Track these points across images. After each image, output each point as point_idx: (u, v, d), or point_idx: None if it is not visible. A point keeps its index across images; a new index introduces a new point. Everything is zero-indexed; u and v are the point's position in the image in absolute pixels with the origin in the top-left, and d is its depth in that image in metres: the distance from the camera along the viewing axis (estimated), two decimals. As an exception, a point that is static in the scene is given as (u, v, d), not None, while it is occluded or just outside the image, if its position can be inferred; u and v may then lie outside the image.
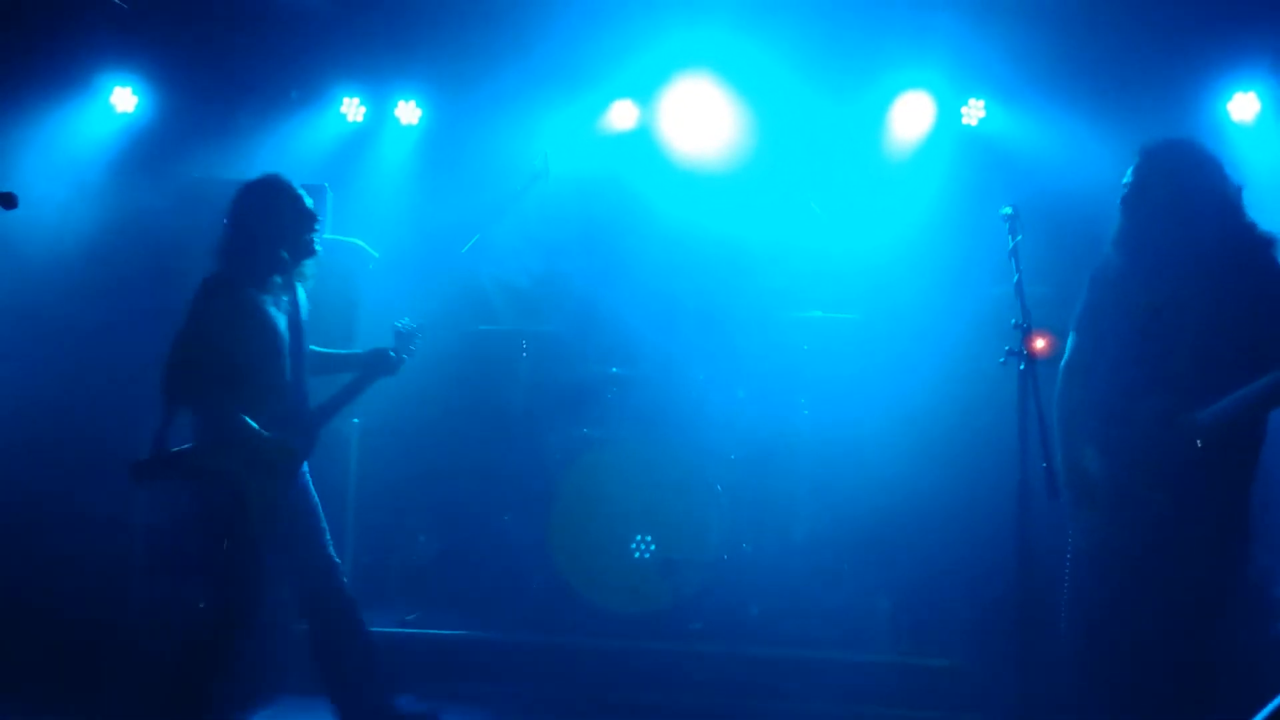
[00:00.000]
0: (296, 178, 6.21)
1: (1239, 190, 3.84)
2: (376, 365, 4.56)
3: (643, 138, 6.80)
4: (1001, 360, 3.61)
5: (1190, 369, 3.73)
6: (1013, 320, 3.64)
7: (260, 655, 4.87)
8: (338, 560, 4.45)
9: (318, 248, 4.42)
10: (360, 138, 6.88)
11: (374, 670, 4.44)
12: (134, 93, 6.69)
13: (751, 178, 6.65)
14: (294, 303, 4.36)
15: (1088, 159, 4.26)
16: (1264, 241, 3.73)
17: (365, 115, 6.84)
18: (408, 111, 6.83)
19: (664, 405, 6.01)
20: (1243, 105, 6.35)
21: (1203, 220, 3.76)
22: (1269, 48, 6.23)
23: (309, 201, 4.39)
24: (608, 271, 6.47)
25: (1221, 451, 3.67)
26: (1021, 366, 3.56)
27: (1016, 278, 3.72)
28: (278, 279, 4.29)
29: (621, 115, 6.78)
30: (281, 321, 4.28)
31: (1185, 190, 3.80)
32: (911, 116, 6.63)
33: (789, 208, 6.52)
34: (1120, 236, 3.94)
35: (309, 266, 4.43)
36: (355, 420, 5.96)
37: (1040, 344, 3.95)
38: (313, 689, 4.55)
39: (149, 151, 6.62)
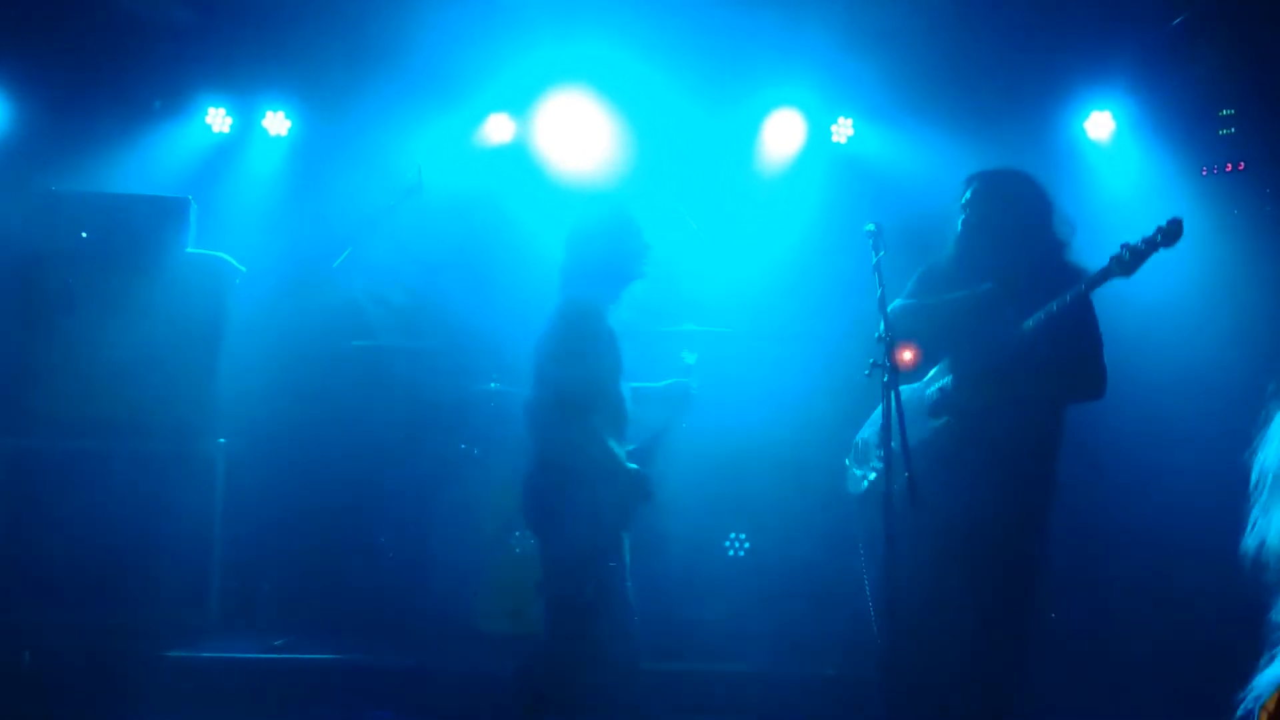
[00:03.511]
0: (159, 190, 6.18)
1: (1071, 229, 4.11)
2: (681, 401, 4.34)
3: (519, 151, 6.75)
4: (866, 373, 3.66)
5: (987, 364, 3.94)
6: (876, 333, 3.70)
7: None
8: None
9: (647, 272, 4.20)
10: (227, 149, 6.70)
11: None
12: (-9, 102, 6.43)
13: (628, 192, 6.66)
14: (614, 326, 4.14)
15: (952, 176, 4.37)
16: (1079, 276, 3.93)
17: (232, 126, 6.67)
18: (276, 122, 6.68)
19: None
20: (1099, 124, 6.60)
21: (1027, 249, 4.03)
22: (1124, 69, 6.47)
23: (644, 226, 4.22)
24: (484, 286, 6.41)
25: (1024, 440, 3.90)
26: (885, 379, 3.62)
27: (880, 292, 3.79)
28: (617, 302, 4.14)
29: (497, 129, 6.73)
30: (621, 347, 4.08)
31: (1017, 222, 4.04)
32: (783, 134, 6.73)
33: (665, 223, 6.54)
34: (955, 253, 4.16)
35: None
36: (221, 440, 5.80)
37: (906, 356, 4.05)
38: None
39: (6, 163, 6.36)
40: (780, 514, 6.00)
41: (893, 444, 3.54)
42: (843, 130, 6.67)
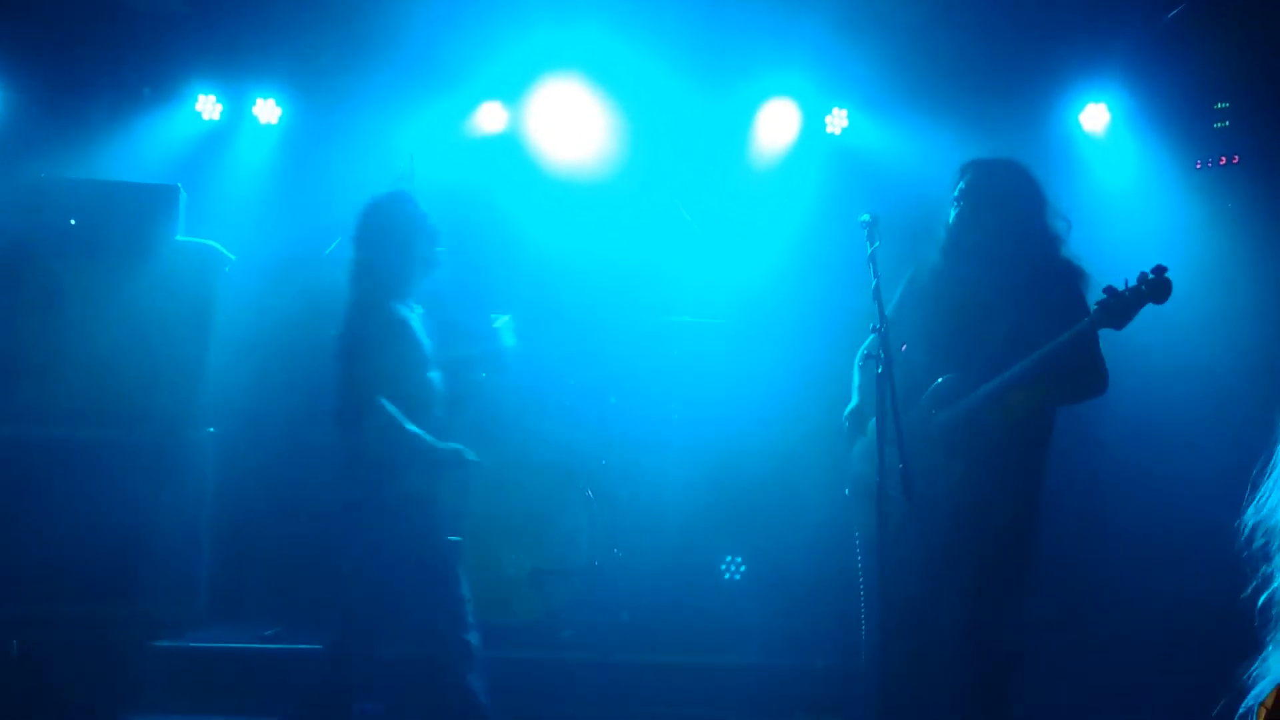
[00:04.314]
0: (149, 177, 6.13)
1: (1066, 224, 4.08)
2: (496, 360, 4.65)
3: (511, 140, 6.71)
4: (860, 364, 3.65)
5: (984, 362, 3.92)
6: (871, 324, 3.68)
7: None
8: None
9: (439, 261, 4.35)
10: (217, 137, 6.64)
11: None
12: (-23, 88, 6.38)
13: (621, 183, 6.64)
14: (425, 316, 4.31)
15: (946, 168, 4.35)
16: (1074, 271, 3.96)
17: (222, 113, 6.61)
18: (266, 110, 6.62)
19: (534, 412, 5.95)
20: (1094, 116, 6.58)
21: (1022, 243, 4.00)
22: (1119, 61, 6.46)
23: (432, 218, 4.35)
24: (477, 275, 6.38)
25: (1013, 430, 3.90)
26: (879, 370, 3.60)
27: (874, 283, 3.77)
28: (413, 290, 4.27)
29: (489, 117, 6.69)
30: (424, 333, 4.23)
31: (1011, 216, 4.01)
32: (777, 124, 6.70)
33: (659, 213, 6.53)
34: (947, 244, 4.13)
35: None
36: (211, 429, 5.77)
37: (904, 347, 4.03)
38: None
39: (-5, 150, 6.33)
40: (775, 510, 5.99)
41: (887, 437, 3.53)
42: (837, 121, 6.65)
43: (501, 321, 4.65)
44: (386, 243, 4.24)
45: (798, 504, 5.88)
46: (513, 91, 6.65)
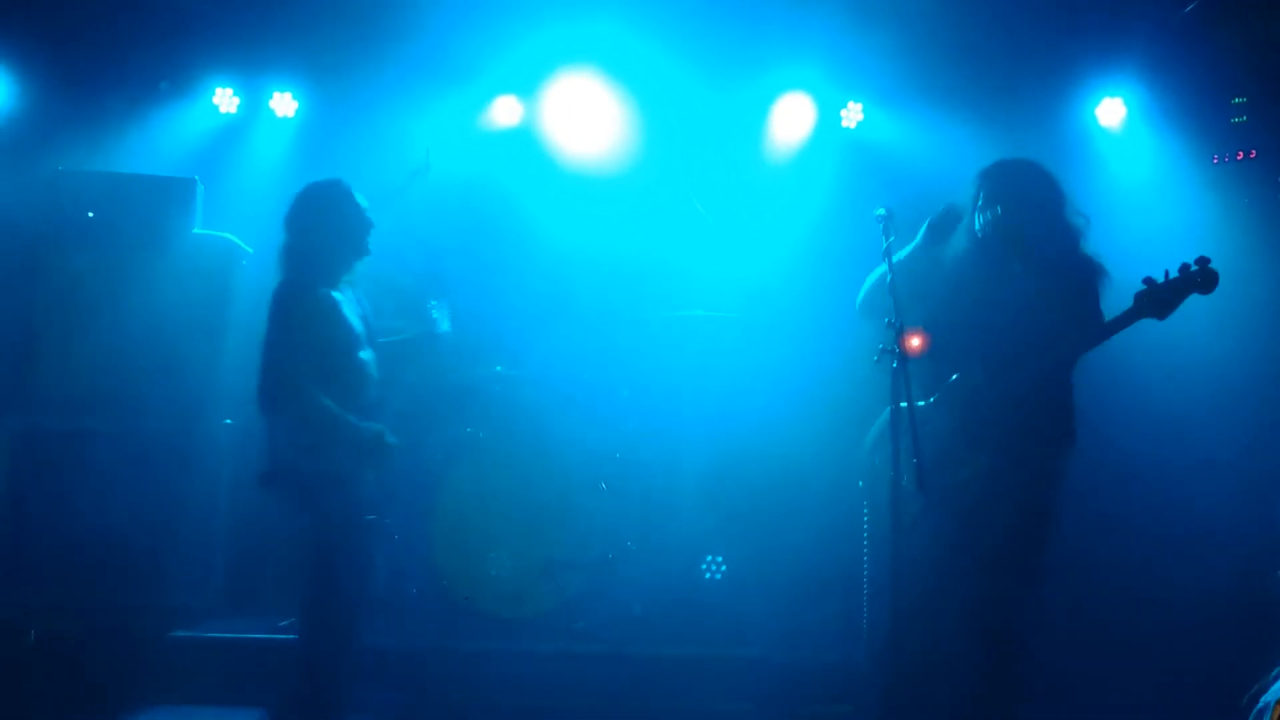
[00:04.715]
0: (167, 170, 6.16)
1: (1085, 220, 4.12)
2: (428, 344, 4.69)
3: (526, 134, 6.73)
4: (875, 359, 3.65)
5: (1005, 358, 3.96)
6: (885, 319, 3.69)
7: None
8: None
9: (371, 249, 4.42)
10: (234, 130, 6.67)
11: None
12: (-4, 82, 6.41)
13: (636, 176, 6.65)
14: (353, 295, 4.41)
15: (961, 162, 4.36)
16: (1094, 268, 4.00)
17: (239, 107, 6.64)
18: (283, 104, 6.65)
19: (548, 404, 5.97)
20: (1110, 111, 6.57)
21: (1041, 243, 4.04)
22: (1136, 56, 6.44)
23: (364, 203, 4.41)
24: (492, 269, 6.41)
25: (1034, 419, 3.93)
26: (894, 365, 3.61)
27: (890, 278, 3.78)
28: (345, 278, 4.36)
29: (505, 111, 6.70)
30: (355, 316, 4.32)
31: (1033, 214, 4.05)
32: (793, 118, 6.70)
33: (673, 207, 6.53)
34: (971, 243, 4.15)
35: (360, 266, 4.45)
36: (228, 421, 5.80)
37: (915, 342, 4.04)
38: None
39: (12, 143, 6.35)
40: (788, 503, 6.00)
41: (902, 430, 3.53)
42: (852, 115, 6.64)
43: (436, 307, 4.73)
44: (317, 229, 4.30)
45: (810, 497, 5.89)
46: (528, 85, 6.67)
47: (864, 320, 4.17)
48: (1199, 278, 3.74)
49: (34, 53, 6.40)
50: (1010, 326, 3.98)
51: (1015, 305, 4.00)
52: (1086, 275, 3.97)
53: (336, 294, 4.30)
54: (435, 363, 4.55)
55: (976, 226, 4.13)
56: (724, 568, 6.01)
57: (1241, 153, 6.26)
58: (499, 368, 6.04)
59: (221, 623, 5.51)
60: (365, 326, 4.40)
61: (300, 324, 4.16)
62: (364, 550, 4.36)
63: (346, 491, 4.22)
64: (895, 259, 3.91)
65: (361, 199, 4.42)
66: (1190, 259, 3.79)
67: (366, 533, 4.33)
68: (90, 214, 5.80)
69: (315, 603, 4.25)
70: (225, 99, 6.62)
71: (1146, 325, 3.87)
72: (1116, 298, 3.98)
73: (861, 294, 4.20)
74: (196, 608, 5.55)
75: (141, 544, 5.47)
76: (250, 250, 6.02)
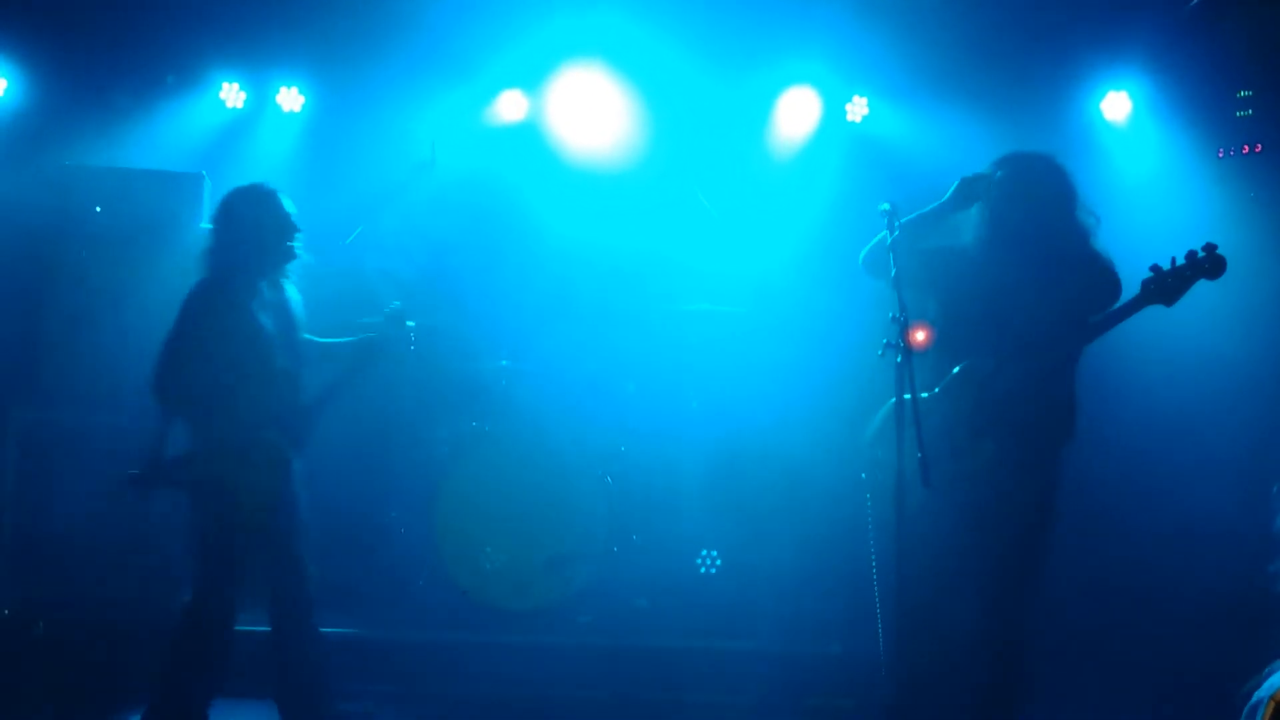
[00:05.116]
0: (173, 165, 6.17)
1: (1095, 219, 4.10)
2: (366, 354, 4.49)
3: (532, 128, 6.73)
4: (880, 353, 3.65)
5: (1018, 343, 3.95)
6: (891, 313, 3.69)
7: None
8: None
9: (298, 252, 4.39)
10: (240, 125, 6.68)
11: (326, 673, 4.41)
12: (2, 76, 6.40)
13: (640, 171, 6.65)
14: (282, 299, 4.36)
15: (967, 156, 4.35)
16: (1102, 265, 3.99)
17: (245, 102, 6.65)
18: (290, 98, 6.66)
19: (553, 398, 5.99)
20: (1115, 104, 6.56)
21: (1050, 240, 4.02)
22: (1141, 49, 6.43)
23: (290, 207, 4.39)
24: (497, 263, 6.42)
25: (1040, 411, 3.94)
26: (899, 359, 3.61)
27: (894, 272, 3.78)
28: (262, 279, 4.29)
29: (510, 105, 6.71)
30: (265, 317, 4.26)
31: (1043, 209, 4.03)
32: (797, 112, 6.70)
33: (678, 201, 6.54)
34: (982, 232, 4.12)
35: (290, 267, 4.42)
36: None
37: (919, 336, 4.05)
38: (247, 691, 4.53)
39: (18, 138, 6.36)
40: (792, 498, 6.00)
41: (905, 422, 3.54)
42: (857, 109, 6.65)
43: (396, 305, 4.61)
44: (237, 231, 4.28)
45: (814, 490, 5.89)
46: (533, 80, 6.67)
47: (867, 276, 4.17)
48: (1206, 264, 3.76)
49: (41, 47, 6.41)
50: (1020, 317, 3.98)
51: (1025, 296, 3.99)
52: (1093, 271, 3.97)
53: (256, 299, 4.25)
54: (371, 367, 4.44)
55: (989, 215, 4.12)
56: (727, 561, 6.02)
57: (1247, 146, 6.24)
58: (504, 361, 6.06)
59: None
60: (290, 329, 4.35)
61: (207, 330, 4.14)
62: (268, 547, 4.29)
63: (224, 500, 4.16)
64: (916, 215, 3.96)
65: (288, 203, 4.38)
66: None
67: (239, 543, 4.23)
68: (97, 208, 5.82)
69: (199, 601, 4.27)
70: (232, 94, 6.63)
71: (1149, 319, 3.88)
72: (1122, 291, 3.98)
73: (865, 250, 4.19)
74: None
75: (147, 536, 5.48)
76: (256, 245, 6.02)
